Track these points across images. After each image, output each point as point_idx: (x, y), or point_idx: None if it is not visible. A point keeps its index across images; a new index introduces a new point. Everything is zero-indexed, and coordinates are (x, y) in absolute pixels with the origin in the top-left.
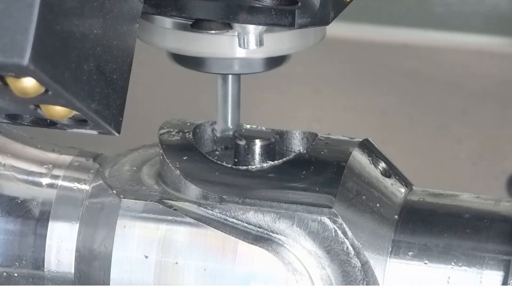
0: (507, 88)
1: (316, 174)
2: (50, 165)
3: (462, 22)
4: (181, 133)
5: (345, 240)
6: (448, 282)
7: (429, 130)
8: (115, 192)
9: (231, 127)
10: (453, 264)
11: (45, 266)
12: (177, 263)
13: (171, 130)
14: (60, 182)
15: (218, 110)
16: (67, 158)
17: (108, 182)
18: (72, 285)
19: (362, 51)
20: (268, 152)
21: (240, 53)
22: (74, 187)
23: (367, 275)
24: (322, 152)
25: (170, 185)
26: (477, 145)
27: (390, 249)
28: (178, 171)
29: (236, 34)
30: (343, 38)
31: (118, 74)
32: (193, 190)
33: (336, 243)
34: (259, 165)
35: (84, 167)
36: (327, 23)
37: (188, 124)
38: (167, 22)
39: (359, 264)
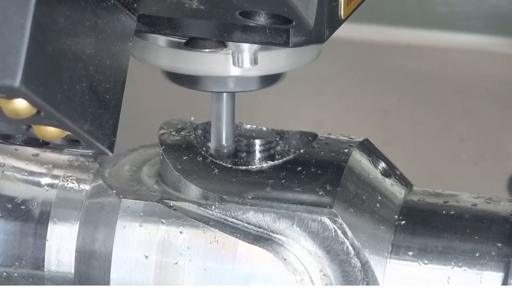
0: (509, 88)
1: (316, 174)
2: (50, 165)
3: (464, 22)
4: (181, 133)
5: (345, 240)
6: (448, 282)
7: (432, 131)
8: (115, 192)
9: (225, 145)
10: (453, 264)
11: (45, 266)
12: (177, 263)
13: (171, 130)
14: (60, 182)
15: (212, 128)
16: (67, 158)
17: (108, 182)
18: (72, 285)
19: (364, 51)
20: (268, 152)
21: (235, 71)
22: (74, 187)
23: (367, 275)
24: (322, 152)
25: (170, 185)
26: (480, 146)
27: (390, 249)
28: (178, 171)
29: (230, 52)
30: (344, 38)
31: (111, 94)
32: (193, 190)
33: (336, 243)
34: (259, 165)
35: (84, 167)
36: (322, 41)
37: (188, 124)
38: (160, 40)
39: (359, 264)
